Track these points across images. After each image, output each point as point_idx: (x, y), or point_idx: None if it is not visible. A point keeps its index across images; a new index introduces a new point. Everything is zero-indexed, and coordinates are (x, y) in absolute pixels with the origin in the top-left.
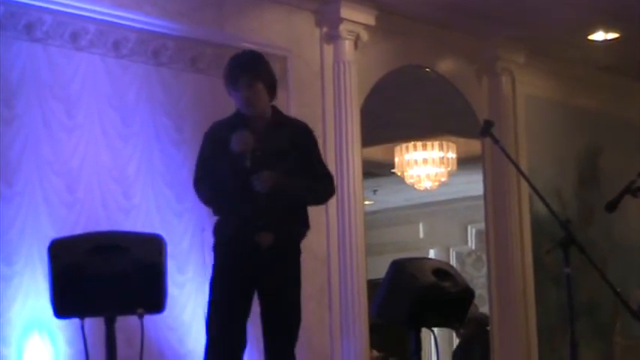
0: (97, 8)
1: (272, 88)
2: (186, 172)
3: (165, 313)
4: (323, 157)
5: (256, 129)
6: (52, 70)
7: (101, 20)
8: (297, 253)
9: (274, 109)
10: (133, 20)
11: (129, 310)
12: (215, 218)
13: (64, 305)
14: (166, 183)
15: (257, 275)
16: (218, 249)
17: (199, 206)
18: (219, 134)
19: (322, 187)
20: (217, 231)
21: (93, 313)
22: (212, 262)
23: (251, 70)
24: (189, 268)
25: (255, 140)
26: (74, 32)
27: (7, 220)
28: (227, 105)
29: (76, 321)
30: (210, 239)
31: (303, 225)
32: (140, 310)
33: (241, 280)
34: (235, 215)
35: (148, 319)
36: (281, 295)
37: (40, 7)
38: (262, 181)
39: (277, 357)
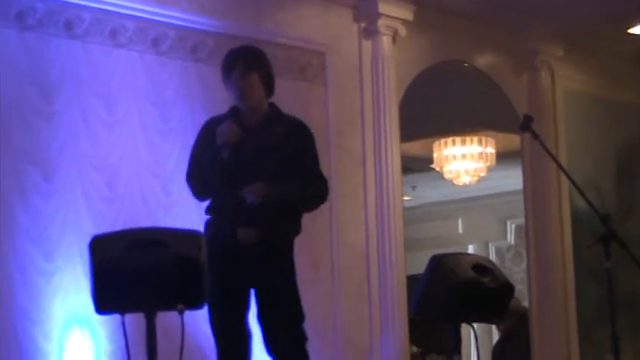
0: (136, 5)
1: (269, 82)
2: None
3: (205, 309)
4: (326, 159)
5: (249, 124)
6: (92, 66)
7: (140, 17)
8: (286, 250)
9: (272, 105)
10: (171, 17)
11: (169, 306)
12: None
13: (104, 301)
14: None
15: (246, 273)
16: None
17: None
18: (211, 128)
19: (314, 193)
20: (205, 229)
21: (133, 308)
22: None
23: (246, 59)
24: None
25: (246, 135)
26: (113, 29)
27: (47, 216)
28: None
29: (116, 317)
30: None
31: (292, 221)
32: (180, 306)
33: (231, 278)
34: (219, 211)
35: (187, 313)
36: (272, 293)
37: (80, 4)
38: (253, 192)
39: (283, 356)
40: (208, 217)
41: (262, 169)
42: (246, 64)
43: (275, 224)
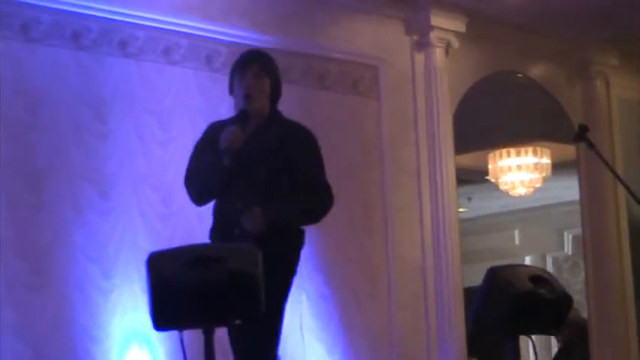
0: (189, 23)
1: (277, 89)
2: None
3: None
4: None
5: (250, 129)
6: (145, 85)
7: (193, 35)
8: (286, 264)
9: (275, 111)
10: (224, 34)
11: (227, 322)
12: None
13: (163, 318)
14: None
15: None
16: None
17: None
18: (214, 132)
19: (318, 204)
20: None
21: (191, 325)
22: None
23: (262, 61)
24: None
25: (245, 140)
26: (167, 47)
27: (104, 234)
28: (318, 114)
29: (174, 333)
30: (305, 250)
31: (292, 235)
32: (238, 322)
33: None
34: (220, 219)
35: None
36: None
37: (134, 23)
38: (250, 222)
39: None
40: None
41: (256, 178)
42: (261, 66)
43: (275, 238)
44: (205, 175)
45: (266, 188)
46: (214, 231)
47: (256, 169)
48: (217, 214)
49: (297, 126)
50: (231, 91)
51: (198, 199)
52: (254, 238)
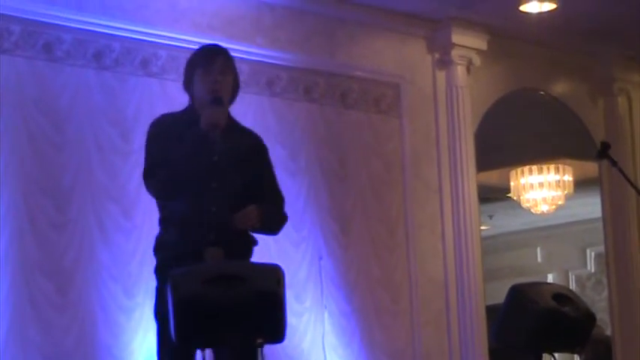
0: (210, 41)
1: (235, 89)
2: (302, 202)
3: (285, 342)
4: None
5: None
6: (168, 103)
7: None
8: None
9: (229, 115)
10: (246, 52)
11: (249, 340)
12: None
13: (185, 336)
14: None
15: None
16: (162, 271)
17: (316, 235)
18: (174, 129)
19: (279, 216)
20: (162, 245)
21: (214, 343)
22: (158, 287)
23: (227, 57)
24: (307, 296)
25: (211, 142)
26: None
27: (126, 252)
28: (340, 132)
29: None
30: (328, 267)
31: (248, 237)
32: (260, 340)
33: None
34: (180, 224)
35: (268, 347)
36: None
37: (156, 42)
38: (246, 220)
39: None
40: (163, 230)
41: (229, 184)
42: (227, 62)
43: (240, 242)
44: (180, 167)
45: (236, 196)
46: (183, 236)
47: (229, 176)
48: (184, 217)
49: (254, 134)
50: (189, 84)
51: (164, 190)
52: (228, 241)
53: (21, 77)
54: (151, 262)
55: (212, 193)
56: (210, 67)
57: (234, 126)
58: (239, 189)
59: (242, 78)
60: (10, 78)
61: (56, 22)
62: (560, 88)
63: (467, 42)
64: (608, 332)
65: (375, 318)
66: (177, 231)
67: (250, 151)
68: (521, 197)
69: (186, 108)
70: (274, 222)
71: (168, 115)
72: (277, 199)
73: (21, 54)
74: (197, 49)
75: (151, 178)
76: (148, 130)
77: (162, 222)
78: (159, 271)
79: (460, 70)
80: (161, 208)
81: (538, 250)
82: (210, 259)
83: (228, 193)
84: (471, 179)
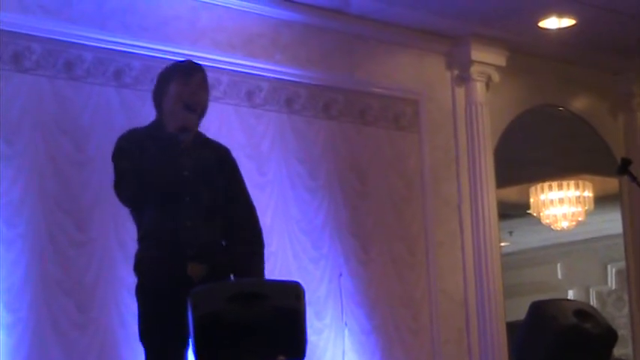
0: (229, 59)
1: (205, 107)
2: (321, 219)
3: (305, 359)
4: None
5: (186, 143)
6: None
7: (233, 71)
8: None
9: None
10: (265, 70)
11: (270, 358)
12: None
13: (206, 354)
14: (302, 230)
15: None
16: (146, 290)
17: (335, 252)
18: (141, 144)
19: (259, 245)
20: (142, 261)
21: None
22: (141, 308)
23: (204, 74)
24: (327, 313)
25: (180, 157)
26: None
27: None
28: (360, 149)
29: None
30: (348, 284)
31: (231, 254)
32: (281, 358)
33: (179, 325)
34: (160, 240)
35: None
36: None
37: (175, 60)
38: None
39: None
40: (141, 248)
41: (199, 198)
42: (204, 79)
43: (222, 258)
44: (150, 178)
45: (208, 209)
46: (160, 253)
47: (200, 190)
48: (159, 234)
49: (223, 147)
50: (160, 96)
51: (134, 200)
52: (210, 255)
53: (42, 96)
54: None
55: (185, 207)
56: (188, 79)
57: (202, 140)
58: (210, 202)
59: (261, 95)
60: (30, 97)
61: (77, 40)
62: (579, 104)
63: (486, 58)
64: (626, 350)
65: (396, 335)
66: (153, 249)
67: (219, 164)
68: (542, 213)
69: (153, 122)
70: (256, 269)
71: (134, 130)
72: (248, 212)
73: (42, 73)
74: (172, 65)
75: (124, 189)
76: (115, 144)
77: (139, 240)
78: (140, 292)
79: (479, 87)
80: (138, 226)
81: (558, 266)
82: (191, 274)
83: (201, 207)
84: (490, 195)
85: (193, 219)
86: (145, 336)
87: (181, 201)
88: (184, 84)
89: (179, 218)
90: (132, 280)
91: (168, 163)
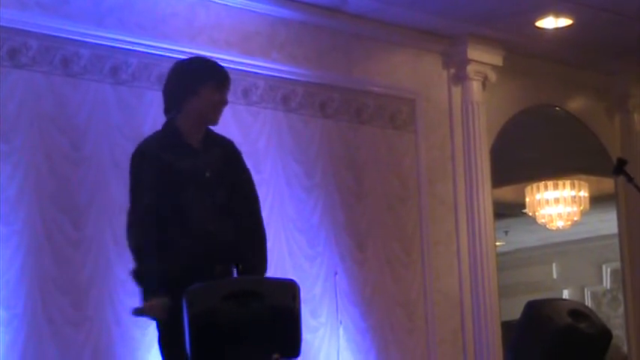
0: (227, 57)
1: None
2: (317, 218)
3: (300, 357)
4: None
5: (191, 143)
6: None
7: (230, 69)
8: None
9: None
10: (262, 68)
11: (265, 356)
12: None
13: (201, 352)
14: (297, 228)
15: None
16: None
17: (331, 251)
18: (161, 156)
19: (264, 244)
20: (172, 273)
21: (229, 359)
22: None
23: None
24: (322, 312)
25: (195, 157)
26: None
27: None
28: (355, 148)
29: None
30: (343, 283)
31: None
32: (276, 356)
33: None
34: (182, 247)
35: None
36: None
37: (172, 57)
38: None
39: None
40: (163, 255)
41: (217, 199)
42: (229, 86)
43: (249, 259)
44: (175, 186)
45: (222, 208)
46: (188, 258)
47: (218, 190)
48: (179, 242)
49: (229, 141)
50: (186, 92)
51: (148, 210)
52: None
53: (38, 92)
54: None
55: (207, 209)
56: (222, 83)
57: (211, 137)
58: (223, 200)
59: (258, 93)
60: (27, 93)
61: (74, 37)
62: (575, 104)
63: (482, 58)
64: (624, 348)
65: (391, 334)
66: (182, 256)
67: (228, 160)
68: (537, 213)
69: (166, 127)
70: (259, 268)
71: (151, 142)
72: (253, 207)
73: (38, 69)
74: (201, 63)
75: (141, 201)
76: (132, 156)
77: (158, 249)
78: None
79: (476, 86)
80: (152, 236)
81: (554, 266)
82: (218, 276)
83: (218, 207)
84: (486, 195)
85: (215, 221)
86: (167, 346)
87: (204, 203)
88: (218, 87)
89: (203, 222)
90: (127, 277)
91: (193, 166)
